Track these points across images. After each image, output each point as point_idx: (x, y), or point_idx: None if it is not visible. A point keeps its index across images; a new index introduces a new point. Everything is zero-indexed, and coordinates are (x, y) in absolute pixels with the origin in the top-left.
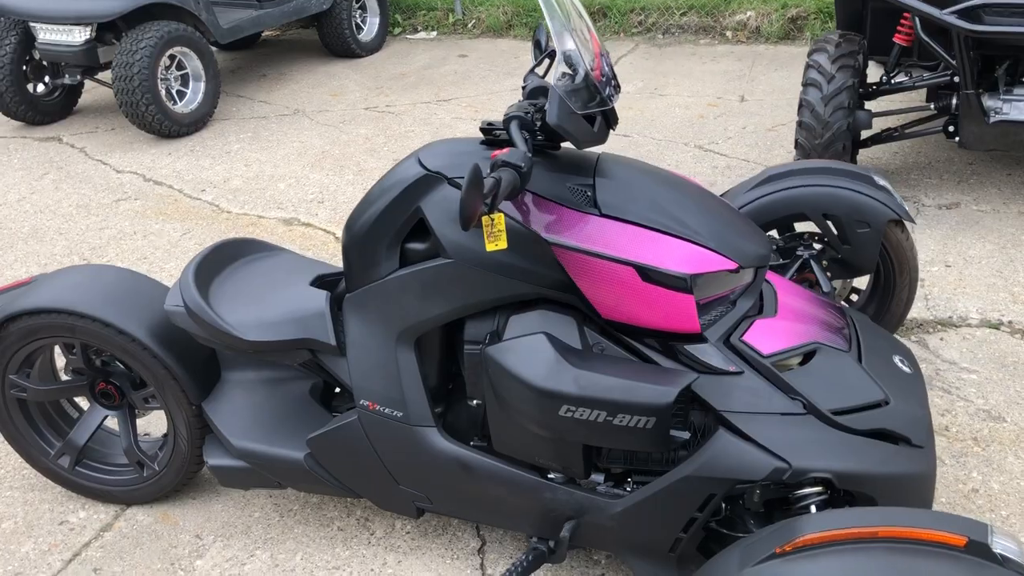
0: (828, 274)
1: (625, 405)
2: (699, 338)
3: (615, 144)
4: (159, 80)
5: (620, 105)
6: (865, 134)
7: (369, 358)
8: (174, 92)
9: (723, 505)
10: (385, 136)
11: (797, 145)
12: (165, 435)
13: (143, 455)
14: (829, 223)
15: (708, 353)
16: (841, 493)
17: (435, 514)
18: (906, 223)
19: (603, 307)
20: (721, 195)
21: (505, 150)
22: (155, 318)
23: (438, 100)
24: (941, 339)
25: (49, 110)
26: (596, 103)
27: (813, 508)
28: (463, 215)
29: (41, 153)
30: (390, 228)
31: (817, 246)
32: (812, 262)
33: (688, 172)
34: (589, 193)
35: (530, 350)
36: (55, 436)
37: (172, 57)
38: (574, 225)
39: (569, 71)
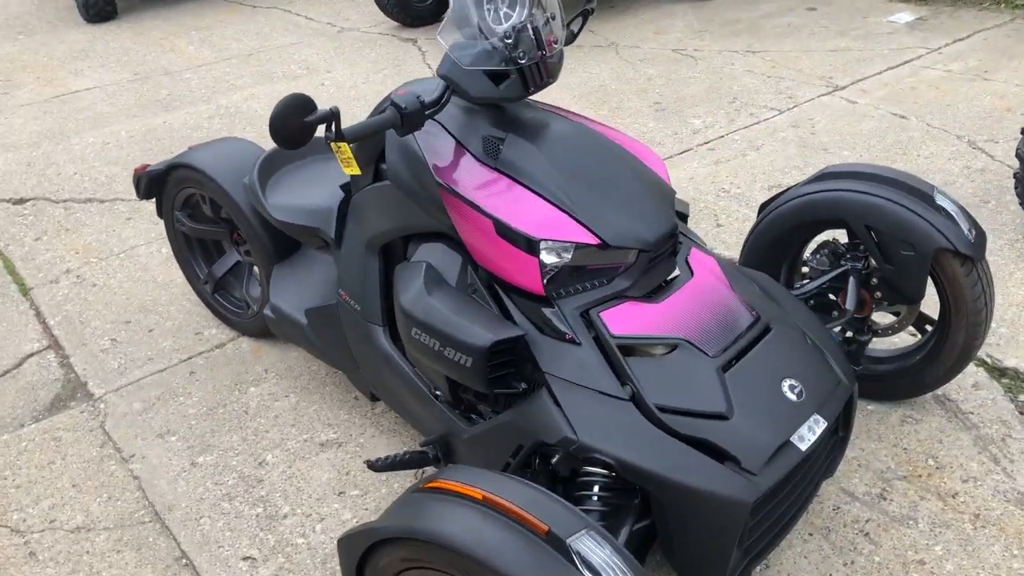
0: (878, 294)
1: (450, 340)
2: (545, 300)
3: (887, 121)
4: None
5: (926, 83)
6: None
7: (349, 255)
8: (501, 13)
9: (536, 460)
10: (666, 79)
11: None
12: (260, 285)
13: (249, 297)
14: (873, 237)
15: (553, 316)
16: (637, 488)
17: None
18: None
19: (473, 252)
20: (785, 189)
21: (402, 91)
22: None
23: (747, 51)
24: None
25: (420, 14)
26: (498, 62)
27: (596, 487)
28: (271, 129)
29: (393, 51)
30: (369, 146)
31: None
32: (851, 276)
33: (933, 168)
34: (500, 146)
35: (408, 273)
36: (206, 265)
37: None
38: (465, 172)
39: (467, 26)
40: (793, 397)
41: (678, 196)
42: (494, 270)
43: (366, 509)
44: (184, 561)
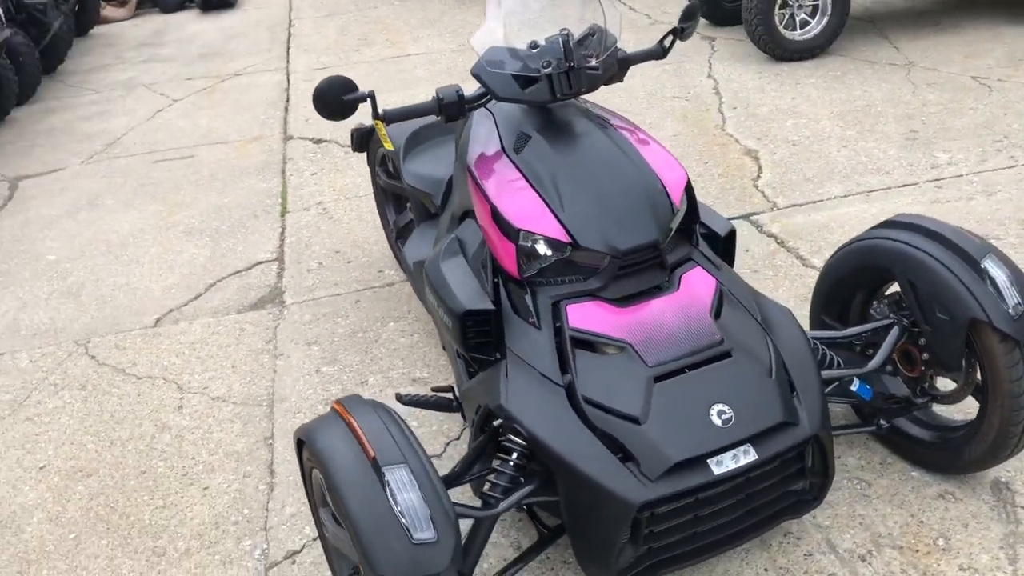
0: (925, 356)
1: (442, 302)
2: (523, 284)
3: None
4: (778, 7)
5: None
6: None
7: (443, 220)
8: (798, 19)
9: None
10: (942, 107)
11: None
12: None
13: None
14: (915, 294)
15: (525, 300)
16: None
17: None
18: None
19: (483, 232)
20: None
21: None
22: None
23: None
24: None
25: (728, 14)
26: (523, 68)
27: (514, 455)
28: (314, 103)
29: (686, 47)
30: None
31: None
32: (894, 330)
33: None
34: (526, 144)
35: (444, 244)
36: (395, 215)
37: None
38: (491, 161)
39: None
40: (718, 422)
41: (727, 217)
42: (492, 250)
43: None
44: (270, 441)
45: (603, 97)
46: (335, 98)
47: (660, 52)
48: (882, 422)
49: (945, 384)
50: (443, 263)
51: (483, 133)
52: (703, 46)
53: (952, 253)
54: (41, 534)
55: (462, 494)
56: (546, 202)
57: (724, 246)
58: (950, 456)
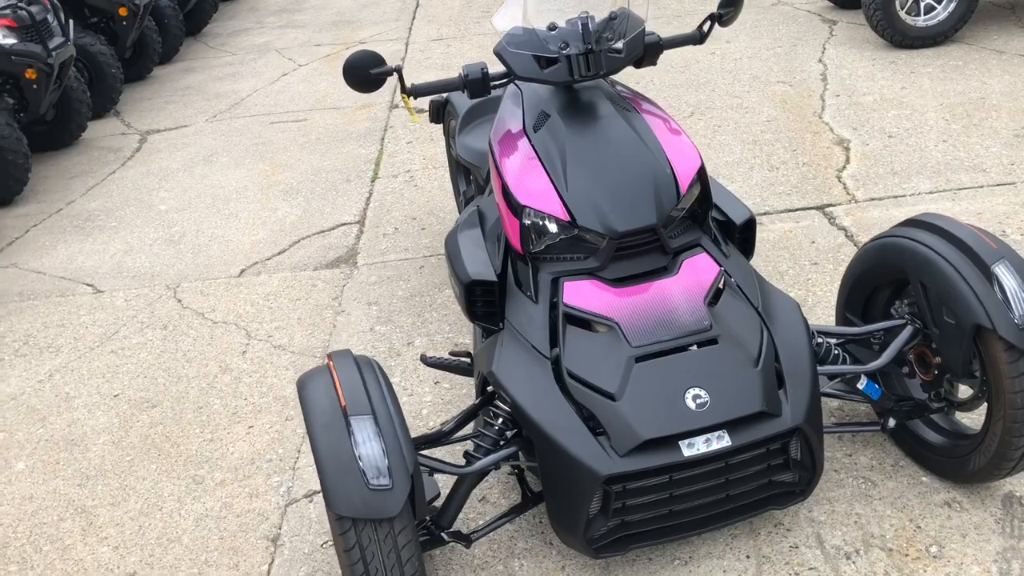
0: (937, 359)
1: (452, 270)
2: (524, 259)
3: None
4: None
5: None
6: None
7: (485, 193)
8: (922, 4)
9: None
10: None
11: None
12: None
13: None
14: (925, 296)
15: (526, 273)
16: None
17: None
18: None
19: (498, 206)
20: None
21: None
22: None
23: None
24: None
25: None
26: (535, 48)
27: (500, 419)
28: (344, 75)
29: (804, 30)
30: None
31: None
32: (907, 329)
33: None
34: (545, 123)
35: (465, 215)
36: (464, 185)
37: None
38: (511, 138)
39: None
40: (692, 406)
41: (748, 204)
42: (503, 224)
43: (443, 399)
44: None
45: (703, 79)
46: (363, 71)
47: (698, 37)
48: (890, 421)
49: (964, 390)
50: (460, 233)
51: (510, 110)
52: (822, 30)
53: (964, 256)
54: (103, 454)
55: None
56: (552, 181)
57: (743, 234)
58: (958, 464)
